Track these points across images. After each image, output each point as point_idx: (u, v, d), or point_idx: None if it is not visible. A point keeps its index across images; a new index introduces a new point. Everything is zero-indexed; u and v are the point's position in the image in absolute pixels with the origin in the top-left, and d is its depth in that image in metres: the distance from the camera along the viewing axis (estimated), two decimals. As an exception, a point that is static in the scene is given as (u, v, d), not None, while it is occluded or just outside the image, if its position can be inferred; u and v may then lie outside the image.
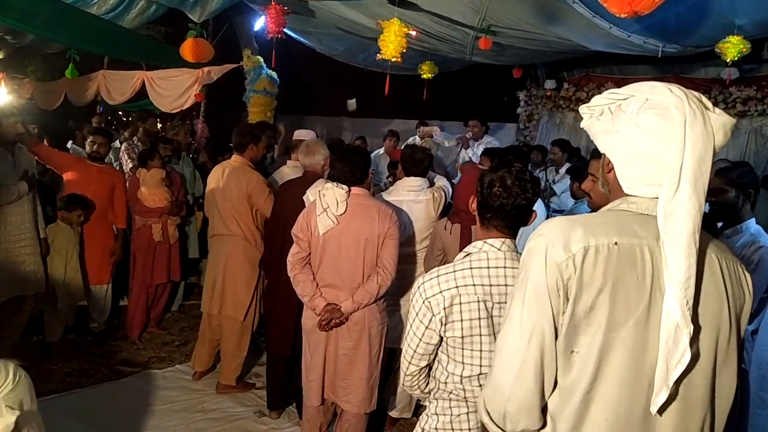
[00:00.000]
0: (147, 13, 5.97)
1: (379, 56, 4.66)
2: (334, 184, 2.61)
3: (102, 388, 3.60)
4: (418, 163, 3.25)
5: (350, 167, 2.62)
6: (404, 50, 4.58)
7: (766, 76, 6.94)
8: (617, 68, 7.86)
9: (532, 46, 5.67)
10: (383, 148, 7.04)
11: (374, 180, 4.94)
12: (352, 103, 8.16)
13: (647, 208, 1.10)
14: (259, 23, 6.73)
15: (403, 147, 3.61)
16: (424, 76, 7.03)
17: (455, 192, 3.15)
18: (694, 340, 1.03)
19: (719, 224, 2.59)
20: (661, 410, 1.05)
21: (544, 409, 1.13)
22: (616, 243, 1.05)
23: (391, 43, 4.48)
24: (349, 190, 2.60)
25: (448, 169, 6.33)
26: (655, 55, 4.79)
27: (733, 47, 4.29)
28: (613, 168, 1.16)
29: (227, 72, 6.86)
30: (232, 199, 3.52)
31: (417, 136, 8.57)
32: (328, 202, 2.56)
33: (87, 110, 8.06)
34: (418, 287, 1.71)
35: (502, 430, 1.15)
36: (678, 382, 1.03)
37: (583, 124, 1.22)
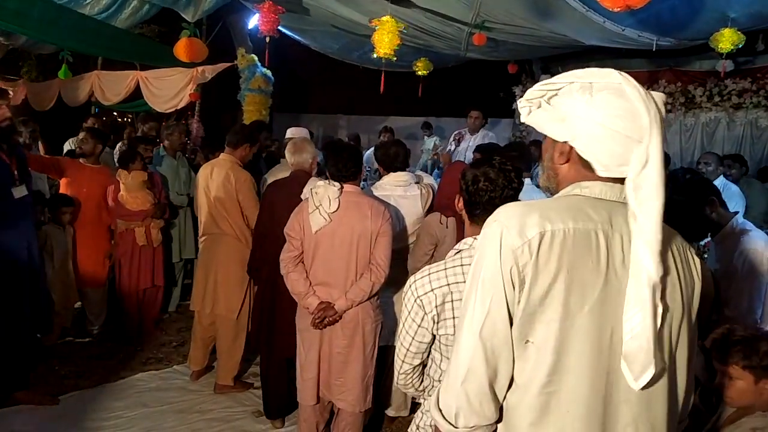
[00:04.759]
0: (140, 12, 5.96)
1: (373, 54, 4.66)
2: (327, 181, 2.60)
3: (99, 390, 3.59)
4: (393, 158, 3.19)
5: (342, 163, 2.60)
6: (398, 47, 4.57)
7: (761, 68, 6.93)
8: (612, 62, 7.84)
9: (527, 41, 5.67)
10: (378, 145, 7.01)
11: (369, 178, 4.92)
12: None
13: (600, 192, 1.09)
14: (253, 21, 6.71)
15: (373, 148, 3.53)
16: (419, 72, 7.03)
17: (439, 189, 3.12)
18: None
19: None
20: (624, 399, 1.03)
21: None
22: (571, 227, 1.03)
23: (385, 38, 4.47)
24: (342, 187, 2.58)
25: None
26: (649, 48, 4.79)
27: (726, 39, 4.29)
28: (569, 157, 1.13)
29: (222, 71, 6.85)
30: (222, 197, 3.51)
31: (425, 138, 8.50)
32: (320, 200, 2.54)
33: (81, 111, 8.02)
34: (410, 285, 1.70)
35: (453, 426, 1.11)
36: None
37: (524, 119, 1.17)
